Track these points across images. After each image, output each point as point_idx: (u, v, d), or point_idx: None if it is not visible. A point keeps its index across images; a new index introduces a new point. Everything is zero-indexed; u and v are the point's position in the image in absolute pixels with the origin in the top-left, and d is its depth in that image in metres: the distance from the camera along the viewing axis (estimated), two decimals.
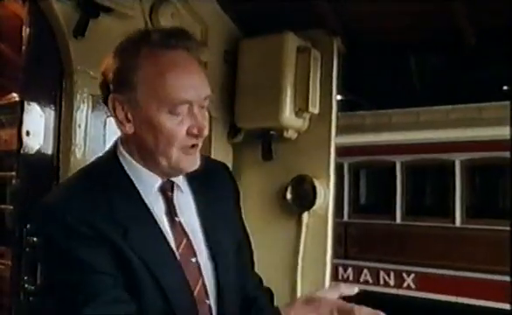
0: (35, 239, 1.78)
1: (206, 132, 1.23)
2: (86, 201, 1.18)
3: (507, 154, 6.81)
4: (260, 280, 1.61)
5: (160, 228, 1.23)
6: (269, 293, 1.62)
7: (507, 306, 6.69)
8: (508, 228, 6.80)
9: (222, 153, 2.31)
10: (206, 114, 1.26)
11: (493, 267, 6.83)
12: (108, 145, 2.16)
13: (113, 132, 2.22)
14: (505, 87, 9.99)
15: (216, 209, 1.36)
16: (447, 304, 7.08)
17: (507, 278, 6.73)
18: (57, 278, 1.18)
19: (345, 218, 7.89)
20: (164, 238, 1.23)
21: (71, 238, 1.14)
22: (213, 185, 1.40)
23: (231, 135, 2.40)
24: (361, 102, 9.08)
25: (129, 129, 1.22)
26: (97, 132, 2.18)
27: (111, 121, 2.33)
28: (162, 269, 1.19)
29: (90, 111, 2.17)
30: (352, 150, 7.42)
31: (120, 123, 1.22)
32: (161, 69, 1.18)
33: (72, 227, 1.14)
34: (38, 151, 2.12)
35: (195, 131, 1.20)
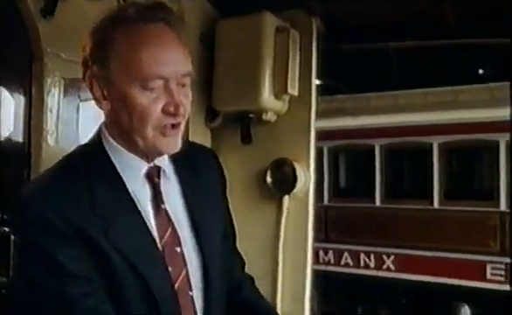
0: (6, 229, 1.72)
1: (185, 111, 1.17)
2: (66, 194, 1.12)
3: (483, 136, 6.90)
4: (243, 263, 1.59)
5: (143, 219, 1.18)
6: (251, 279, 1.61)
7: (482, 285, 6.83)
8: (485, 209, 6.93)
9: (200, 137, 2.26)
10: (189, 93, 1.20)
11: (470, 247, 6.95)
12: (81, 131, 2.09)
13: (86, 117, 2.15)
14: (481, 71, 10.12)
15: (203, 196, 1.31)
16: (426, 284, 7.19)
17: (482, 258, 6.87)
18: (29, 278, 1.11)
19: (325, 202, 7.92)
20: (147, 229, 1.17)
21: (48, 236, 1.08)
22: (200, 172, 1.35)
23: (208, 119, 2.35)
24: (340, 87, 9.07)
25: (106, 106, 1.17)
26: (69, 117, 2.10)
27: (84, 105, 2.26)
28: (145, 264, 1.14)
29: (62, 95, 2.09)
30: (332, 134, 7.42)
31: (96, 101, 1.18)
32: (133, 42, 1.13)
33: (50, 223, 1.08)
34: (8, 138, 2.04)
35: (171, 109, 1.14)
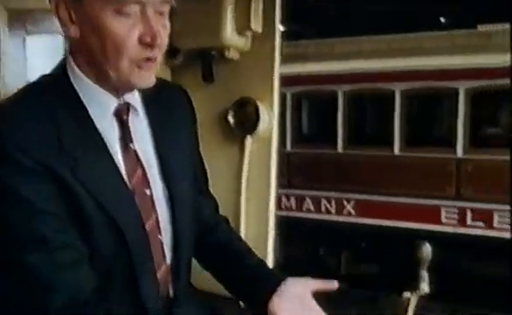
0: None
1: (162, 43, 1.07)
2: (29, 129, 1.02)
3: (444, 84, 6.99)
4: (216, 205, 1.53)
5: (112, 158, 1.10)
6: (226, 220, 1.58)
7: (437, 228, 7.09)
8: (442, 156, 7.11)
9: (160, 76, 2.14)
10: (167, 24, 1.10)
11: (427, 192, 7.15)
12: (29, 67, 1.94)
13: (34, 53, 2.01)
14: (442, 19, 10.19)
15: (173, 136, 1.24)
16: (384, 228, 7.40)
17: (438, 202, 7.10)
18: None
19: (288, 148, 7.95)
20: (116, 169, 1.11)
21: (12, 172, 1.00)
22: (171, 111, 1.27)
23: (168, 56, 2.23)
24: (304, 33, 8.97)
25: (74, 32, 1.06)
26: (16, 53, 1.95)
27: (32, 39, 2.11)
28: (114, 203, 1.08)
29: (6, 28, 1.92)
30: (295, 80, 7.37)
31: (63, 26, 1.07)
32: None
33: (14, 159, 0.99)
34: None
35: (147, 39, 1.04)
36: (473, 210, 6.93)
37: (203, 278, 1.47)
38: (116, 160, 1.12)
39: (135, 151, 1.17)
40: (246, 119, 2.01)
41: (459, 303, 6.63)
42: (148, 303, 1.17)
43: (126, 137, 1.16)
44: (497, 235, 6.77)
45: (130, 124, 1.17)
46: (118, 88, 1.13)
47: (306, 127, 8.31)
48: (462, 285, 6.56)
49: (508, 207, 6.66)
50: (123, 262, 1.11)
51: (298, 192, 7.95)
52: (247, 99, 2.04)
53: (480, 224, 6.90)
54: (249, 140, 2.05)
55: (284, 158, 7.47)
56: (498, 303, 6.37)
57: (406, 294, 1.17)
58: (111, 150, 1.12)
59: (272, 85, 2.06)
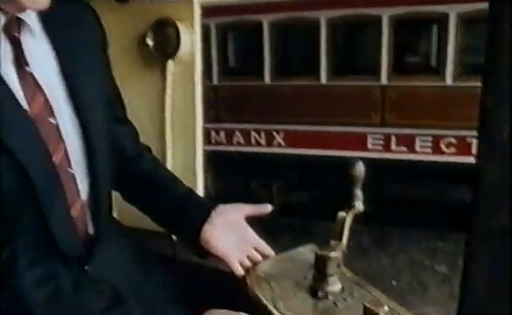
0: None
1: None
2: None
3: (368, 11, 7.01)
4: (137, 133, 1.42)
5: (5, 82, 0.96)
6: (148, 149, 1.47)
7: (364, 154, 7.31)
8: (368, 84, 7.24)
9: None
10: None
11: (354, 120, 7.31)
12: None
13: None
14: None
15: (81, 58, 1.11)
16: (314, 157, 7.54)
17: (364, 129, 7.29)
18: None
19: (215, 82, 7.77)
20: (12, 95, 0.97)
21: None
22: (77, 30, 1.14)
23: None
24: None
25: None
26: None
27: None
28: (12, 134, 0.94)
29: None
30: (219, 10, 7.11)
31: None
32: None
33: None
34: None
35: None
36: (397, 135, 7.17)
37: (131, 213, 1.37)
38: (11, 85, 0.98)
39: (32, 75, 1.02)
40: (166, 41, 1.86)
41: (386, 224, 6.98)
42: (62, 243, 1.08)
43: (20, 59, 1.01)
44: (419, 159, 7.09)
45: (24, 44, 1.02)
46: (7, 8, 0.97)
47: (232, 59, 8.12)
48: (389, 208, 6.88)
49: (428, 131, 6.97)
50: (29, 200, 1.00)
51: (227, 125, 7.86)
52: (166, 19, 1.88)
53: (404, 149, 7.17)
54: (171, 64, 1.91)
55: (211, 92, 7.30)
56: (422, 222, 6.77)
57: (341, 214, 1.16)
58: (3, 74, 0.97)
59: (192, 2, 1.91)
